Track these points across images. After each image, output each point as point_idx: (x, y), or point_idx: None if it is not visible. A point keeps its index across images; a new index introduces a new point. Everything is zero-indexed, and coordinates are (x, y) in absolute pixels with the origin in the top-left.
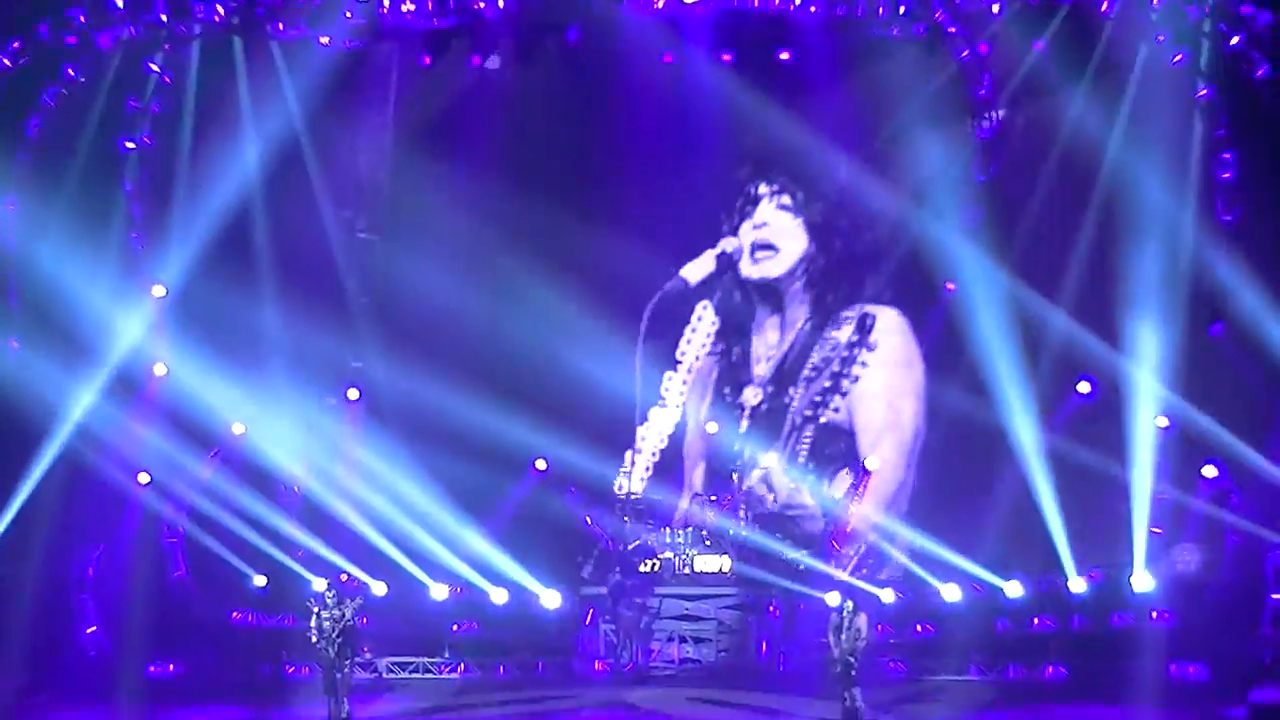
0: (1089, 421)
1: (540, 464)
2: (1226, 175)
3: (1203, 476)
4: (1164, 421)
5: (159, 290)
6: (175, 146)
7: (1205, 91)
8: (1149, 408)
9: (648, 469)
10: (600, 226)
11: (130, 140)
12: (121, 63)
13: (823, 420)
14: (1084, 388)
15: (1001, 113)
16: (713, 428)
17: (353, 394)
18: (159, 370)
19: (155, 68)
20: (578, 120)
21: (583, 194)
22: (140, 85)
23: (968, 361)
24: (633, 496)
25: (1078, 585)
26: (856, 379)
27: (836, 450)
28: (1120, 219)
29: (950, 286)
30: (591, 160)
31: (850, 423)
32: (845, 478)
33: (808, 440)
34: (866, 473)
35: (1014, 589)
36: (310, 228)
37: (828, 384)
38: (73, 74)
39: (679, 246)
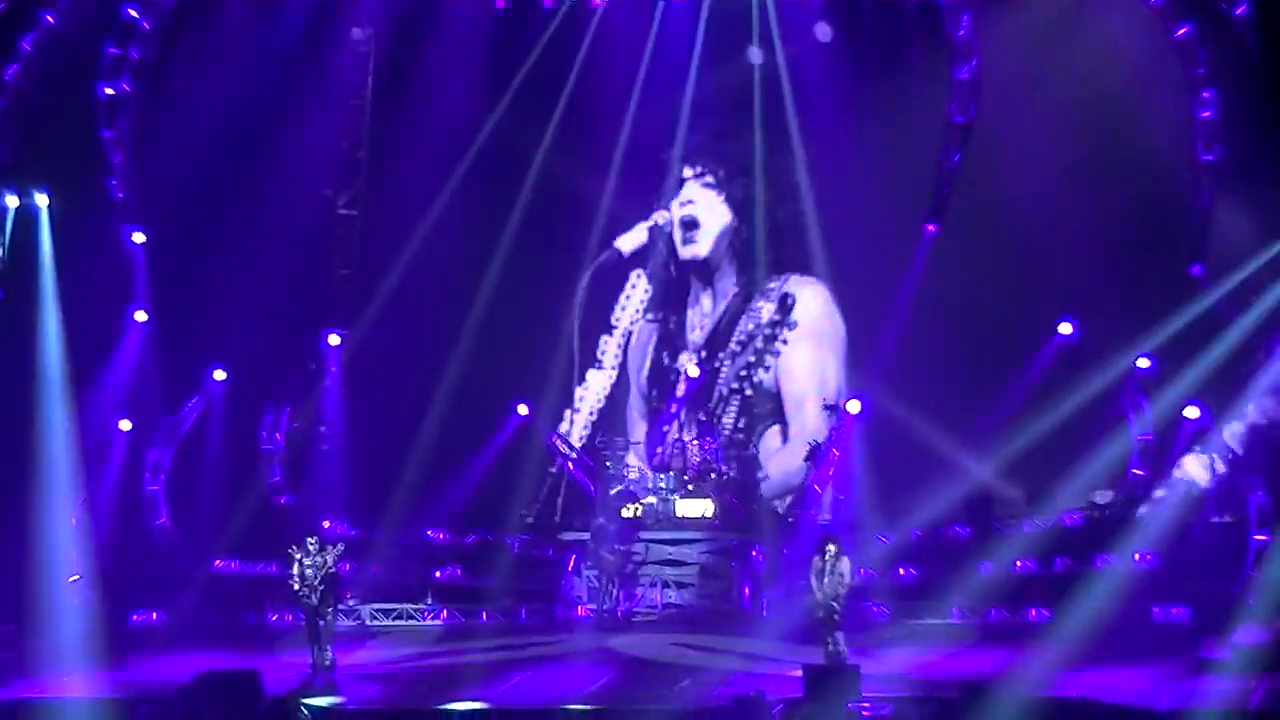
0: (1071, 363)
1: (522, 409)
2: (1206, 114)
3: (1184, 417)
4: (1145, 363)
5: (139, 237)
6: (154, 93)
7: (1184, 30)
8: (1130, 349)
9: (585, 428)
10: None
11: (109, 87)
12: (99, 9)
13: (748, 392)
14: (1065, 329)
15: (979, 55)
16: (694, 371)
17: (334, 340)
18: (139, 317)
19: (134, 14)
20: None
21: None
22: (119, 32)
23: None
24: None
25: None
26: (779, 354)
27: (764, 410)
28: (1100, 160)
29: (931, 228)
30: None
31: (776, 386)
32: (774, 436)
33: (735, 406)
34: (849, 416)
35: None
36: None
37: (752, 358)
38: (51, 20)
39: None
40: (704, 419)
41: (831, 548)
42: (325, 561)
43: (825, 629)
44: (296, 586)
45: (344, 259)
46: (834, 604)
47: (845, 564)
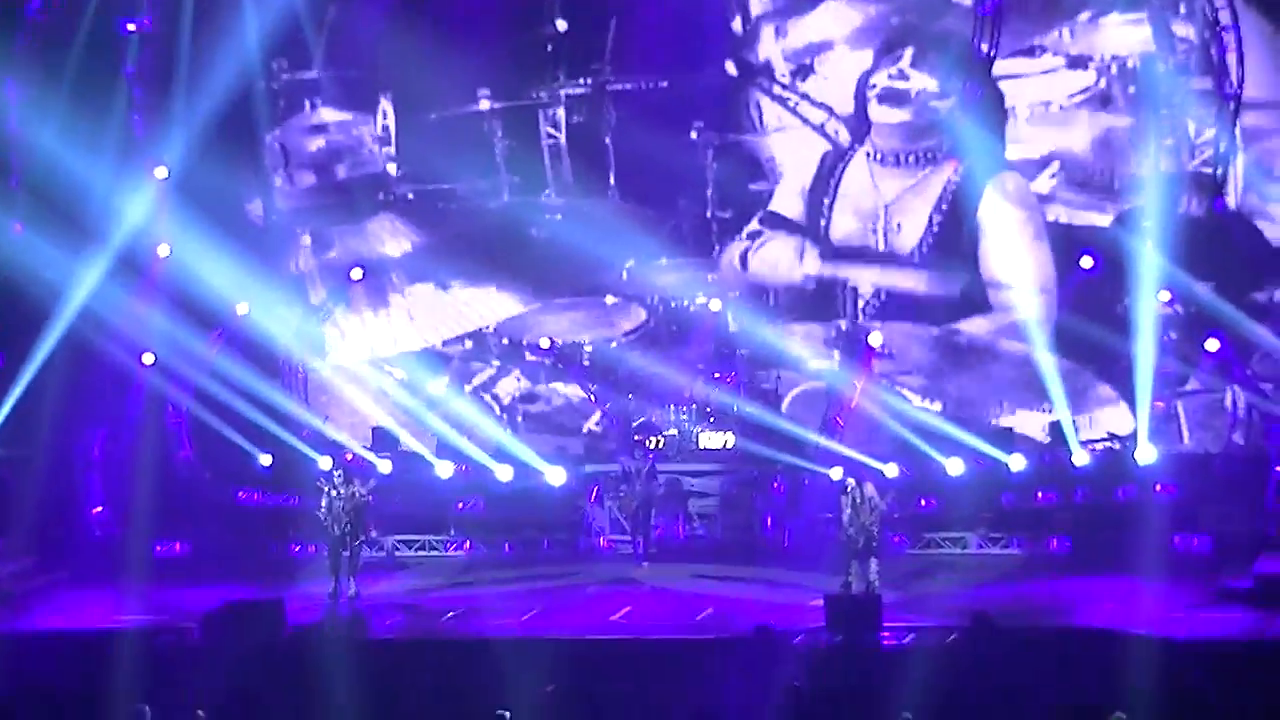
0: (1092, 296)
1: (544, 342)
2: (1229, 49)
3: (1205, 350)
4: (1166, 295)
5: (161, 172)
6: (176, 28)
7: None
8: (1152, 282)
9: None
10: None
11: (131, 22)
12: None
13: None
14: (1087, 263)
15: None
16: (716, 305)
17: (356, 273)
18: (162, 251)
19: None
20: None
21: None
22: None
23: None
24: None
25: (1081, 459)
26: None
27: None
28: (1120, 93)
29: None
30: None
31: None
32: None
33: None
34: (870, 349)
35: (1017, 462)
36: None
37: None
38: None
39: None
40: (726, 351)
41: (851, 480)
42: (354, 494)
43: (861, 556)
44: (324, 518)
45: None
46: (870, 530)
47: (870, 488)
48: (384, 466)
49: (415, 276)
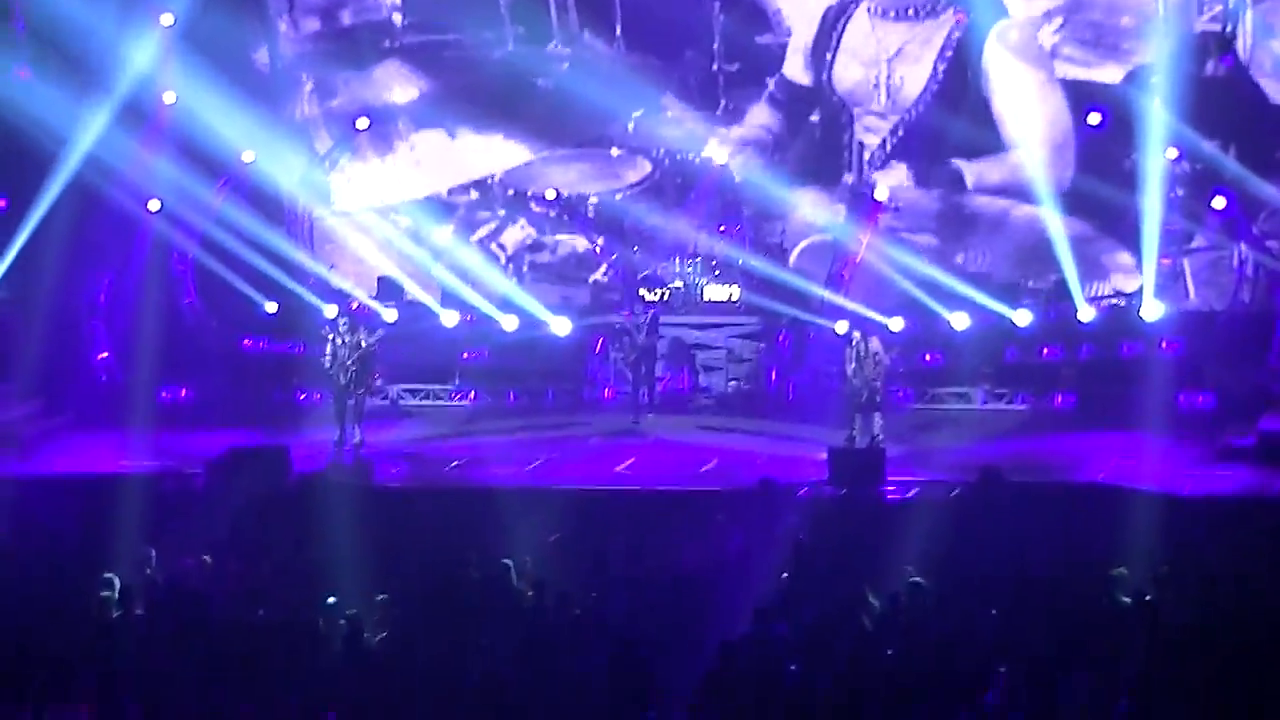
0: (1100, 152)
1: (549, 193)
2: None
3: (1212, 207)
4: (1173, 153)
5: (167, 18)
6: None
7: None
8: (1159, 139)
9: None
10: None
11: None
12: None
13: None
14: (1094, 119)
15: None
16: (721, 158)
17: (362, 123)
18: (168, 98)
19: None
20: None
21: None
22: None
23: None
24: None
25: (1086, 314)
26: None
27: None
28: None
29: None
30: None
31: None
32: None
33: None
34: (877, 203)
35: (1023, 318)
36: None
37: None
38: None
39: None
40: (732, 204)
41: (856, 333)
42: (357, 342)
43: (865, 410)
44: (329, 365)
45: None
46: (874, 384)
47: (876, 342)
48: (389, 315)
49: (422, 123)
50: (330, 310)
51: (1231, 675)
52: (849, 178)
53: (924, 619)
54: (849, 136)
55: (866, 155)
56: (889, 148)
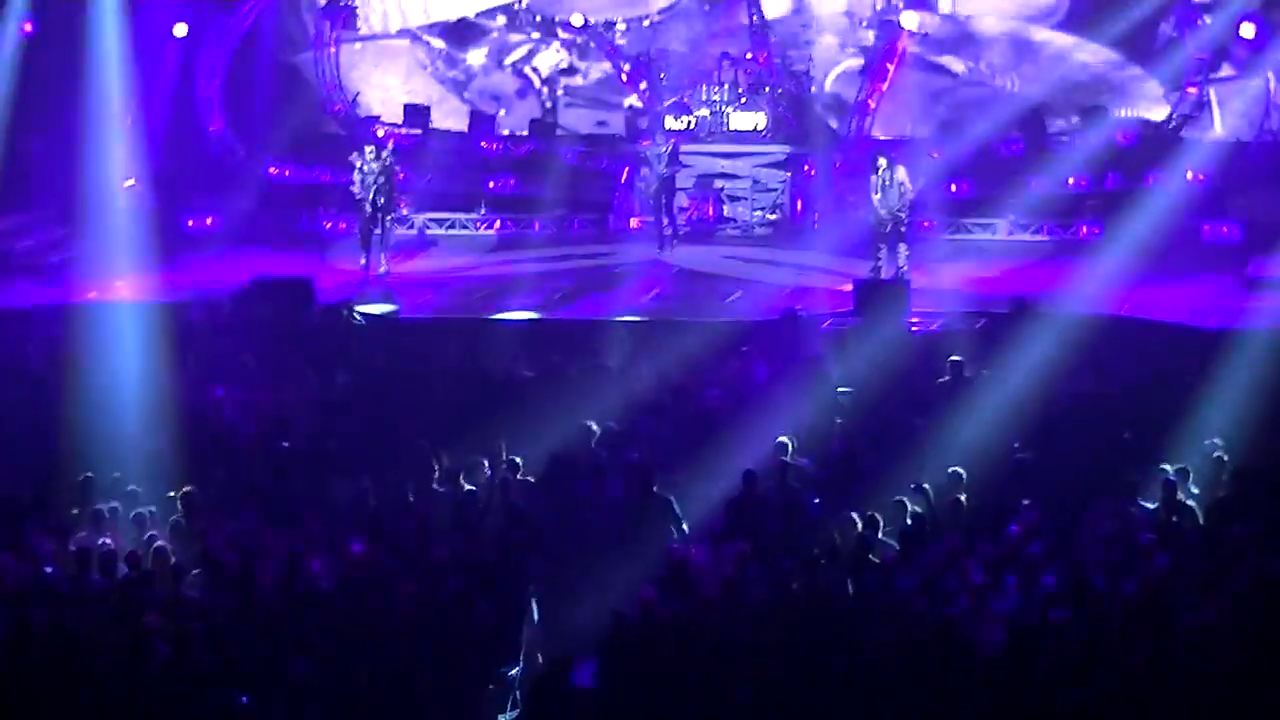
0: None
1: (576, 19)
2: None
3: (1240, 35)
4: None
5: None
6: None
7: None
8: None
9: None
10: None
11: None
12: None
13: None
14: None
15: None
16: None
17: None
18: None
19: None
20: None
21: None
22: None
23: None
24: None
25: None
26: None
27: None
28: None
29: None
30: None
31: None
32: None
33: None
34: (900, 28)
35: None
36: None
37: None
38: None
39: None
40: (759, 31)
41: (882, 161)
42: (382, 168)
43: (890, 241)
44: (356, 191)
45: None
46: (899, 215)
47: (902, 172)
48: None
49: None
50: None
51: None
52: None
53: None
54: None
55: None
56: None
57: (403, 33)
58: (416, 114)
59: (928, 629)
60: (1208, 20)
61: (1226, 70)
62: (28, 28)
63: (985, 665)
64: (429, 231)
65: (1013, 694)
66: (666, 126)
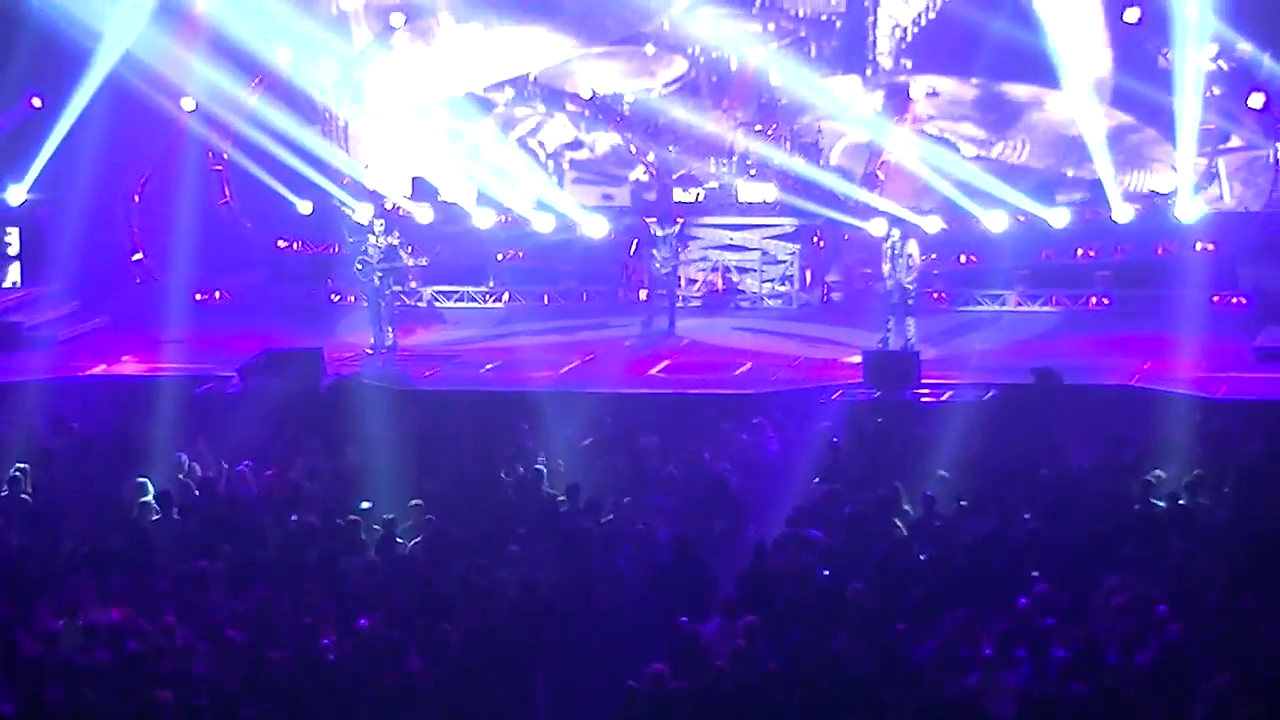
0: (1136, 49)
1: (585, 92)
2: None
3: (1249, 106)
4: (1213, 49)
5: None
6: None
7: None
8: (1197, 36)
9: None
10: None
11: None
12: None
13: None
14: (1132, 15)
15: None
16: (757, 57)
17: (396, 19)
18: None
19: None
20: None
21: None
22: None
23: None
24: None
25: (1123, 214)
26: None
27: None
28: None
29: None
30: None
31: None
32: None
33: None
34: (908, 98)
35: (1059, 218)
36: None
37: None
38: None
39: None
40: (768, 104)
41: (895, 231)
42: (391, 243)
43: (897, 313)
44: (360, 267)
45: None
46: (907, 287)
47: (913, 245)
48: (423, 215)
49: (458, 17)
50: (365, 211)
51: (1267, 572)
52: (886, 62)
53: (957, 523)
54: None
55: (893, 41)
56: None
57: (410, 107)
58: (425, 187)
59: (942, 700)
60: (1216, 91)
61: (1235, 141)
62: (36, 103)
63: None
64: (437, 304)
65: None
66: (675, 198)
